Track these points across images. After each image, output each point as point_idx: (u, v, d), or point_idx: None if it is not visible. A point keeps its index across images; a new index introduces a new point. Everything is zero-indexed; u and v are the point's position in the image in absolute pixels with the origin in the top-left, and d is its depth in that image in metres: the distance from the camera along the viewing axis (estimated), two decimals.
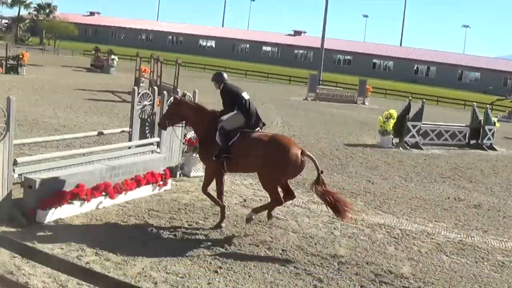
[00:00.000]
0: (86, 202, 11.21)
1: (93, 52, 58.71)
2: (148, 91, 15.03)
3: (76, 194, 11.00)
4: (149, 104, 14.56)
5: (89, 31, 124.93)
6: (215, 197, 11.44)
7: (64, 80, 40.54)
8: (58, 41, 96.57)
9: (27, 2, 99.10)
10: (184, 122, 11.95)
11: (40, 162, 11.48)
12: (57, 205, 10.59)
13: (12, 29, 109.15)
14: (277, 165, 10.52)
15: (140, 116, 14.34)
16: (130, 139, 14.19)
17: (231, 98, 11.42)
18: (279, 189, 11.01)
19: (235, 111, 11.25)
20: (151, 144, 14.32)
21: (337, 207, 10.55)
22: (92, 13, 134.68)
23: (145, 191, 12.94)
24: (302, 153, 10.61)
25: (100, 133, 14.36)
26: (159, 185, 13.36)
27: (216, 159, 10.92)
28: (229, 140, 10.87)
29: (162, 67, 32.93)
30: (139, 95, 14.32)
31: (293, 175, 11.20)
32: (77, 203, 11.05)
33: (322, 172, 10.78)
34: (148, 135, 14.55)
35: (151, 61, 36.86)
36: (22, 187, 10.83)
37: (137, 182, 12.64)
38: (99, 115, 24.94)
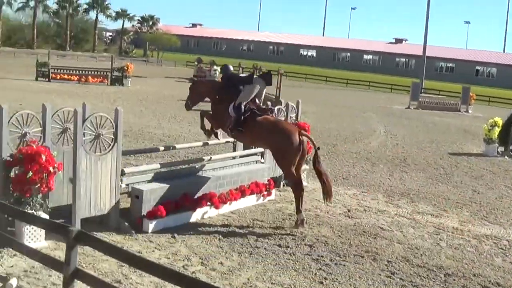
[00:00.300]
0: (191, 212, 11.49)
1: (196, 63, 59.84)
2: None
3: (182, 204, 11.29)
4: None
5: (191, 43, 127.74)
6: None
7: (167, 91, 41.65)
8: (161, 52, 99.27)
9: (131, 15, 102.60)
10: (203, 98, 13.24)
11: (147, 172, 11.84)
12: (163, 215, 10.89)
13: (117, 41, 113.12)
14: (281, 150, 11.73)
15: None
16: (234, 149, 14.41)
17: (236, 81, 12.63)
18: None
19: (242, 88, 12.26)
20: (255, 154, 14.47)
21: (329, 190, 11.83)
22: (194, 25, 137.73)
23: (250, 201, 13.12)
24: (300, 134, 11.71)
25: (205, 144, 14.67)
26: (263, 195, 13.51)
27: (230, 132, 12.31)
28: (242, 115, 11.99)
29: None
30: None
31: (295, 155, 11.71)
32: (183, 213, 11.34)
33: (319, 148, 11.96)
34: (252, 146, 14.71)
35: (253, 71, 37.18)
36: (129, 197, 11.24)
37: (242, 192, 12.83)
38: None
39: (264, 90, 12.65)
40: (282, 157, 11.76)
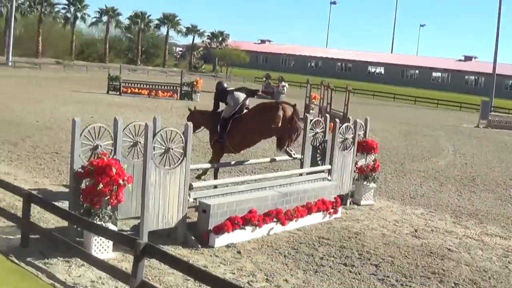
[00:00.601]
0: (257, 227, 11.49)
1: (264, 79, 60.23)
2: (319, 119, 15.18)
3: (249, 220, 11.31)
4: (321, 131, 14.69)
5: (260, 59, 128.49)
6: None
7: None
8: (230, 68, 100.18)
9: (201, 30, 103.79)
10: (200, 127, 14.88)
11: (214, 187, 11.91)
12: (230, 230, 10.93)
13: (187, 56, 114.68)
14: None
15: (312, 143, 14.50)
16: (301, 166, 14.37)
17: (218, 97, 14.50)
18: None
19: (226, 105, 14.01)
20: (322, 171, 14.41)
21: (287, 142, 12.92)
22: (263, 41, 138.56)
23: (316, 218, 13.05)
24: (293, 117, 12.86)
25: (273, 160, 14.69)
26: (329, 213, 13.42)
27: (215, 144, 14.05)
28: (225, 129, 13.54)
29: (332, 93, 33.09)
30: (311, 122, 14.48)
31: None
32: (249, 228, 11.36)
33: (295, 105, 13.15)
34: (319, 162, 14.66)
35: (321, 88, 37.28)
36: (196, 211, 11.32)
37: (308, 209, 12.77)
38: (270, 141, 25.42)
39: (247, 101, 14.37)
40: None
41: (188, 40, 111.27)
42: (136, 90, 44.03)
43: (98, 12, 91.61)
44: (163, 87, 45.41)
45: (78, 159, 9.79)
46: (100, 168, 9.52)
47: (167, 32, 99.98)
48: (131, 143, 10.75)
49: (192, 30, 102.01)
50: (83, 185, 9.81)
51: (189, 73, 73.75)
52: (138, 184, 10.34)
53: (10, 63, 72.68)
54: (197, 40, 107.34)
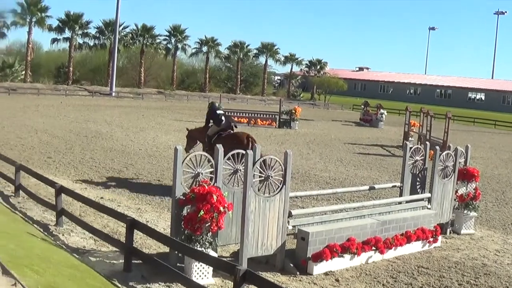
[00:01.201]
0: (356, 256, 11.48)
1: (362, 106, 59.95)
2: (419, 146, 15.03)
3: (347, 248, 11.31)
4: (420, 159, 14.54)
5: (358, 86, 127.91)
6: None
7: (334, 134, 41.91)
8: (328, 96, 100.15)
9: (299, 59, 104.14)
10: (196, 142, 19.43)
11: (313, 215, 11.99)
12: (328, 258, 10.96)
13: (285, 85, 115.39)
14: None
15: (412, 171, 14.36)
16: (401, 194, 14.25)
17: (208, 116, 19.12)
18: None
19: (211, 124, 18.80)
20: (422, 199, 14.24)
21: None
22: (361, 68, 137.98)
23: (415, 247, 12.90)
24: (248, 138, 17.77)
25: (371, 188, 14.64)
26: (429, 242, 13.24)
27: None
28: (211, 141, 18.05)
29: (431, 120, 32.60)
30: (411, 150, 14.36)
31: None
32: (347, 256, 11.36)
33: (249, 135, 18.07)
34: (419, 190, 14.50)
35: (420, 115, 36.88)
36: (295, 238, 11.42)
37: (407, 238, 12.65)
38: (369, 169, 25.34)
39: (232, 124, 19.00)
40: None
41: (286, 69, 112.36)
42: (236, 119, 44.48)
43: (198, 42, 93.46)
44: (262, 115, 45.91)
45: (180, 186, 10.10)
46: (201, 195, 9.79)
47: (266, 61, 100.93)
48: (232, 171, 11.00)
49: (290, 58, 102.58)
50: (184, 212, 10.10)
51: (288, 101, 74.20)
52: (238, 211, 10.56)
53: (113, 94, 75.39)
54: (295, 69, 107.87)
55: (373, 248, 11.88)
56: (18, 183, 15.45)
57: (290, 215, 11.14)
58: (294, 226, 11.35)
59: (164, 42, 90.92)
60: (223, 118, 18.60)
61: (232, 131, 18.64)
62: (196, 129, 19.82)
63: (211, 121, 18.98)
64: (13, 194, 15.47)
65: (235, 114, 45.41)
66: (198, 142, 19.48)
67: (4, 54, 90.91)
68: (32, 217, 13.34)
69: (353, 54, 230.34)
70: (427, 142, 15.82)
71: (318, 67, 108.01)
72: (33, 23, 79.02)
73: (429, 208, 14.10)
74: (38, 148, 24.62)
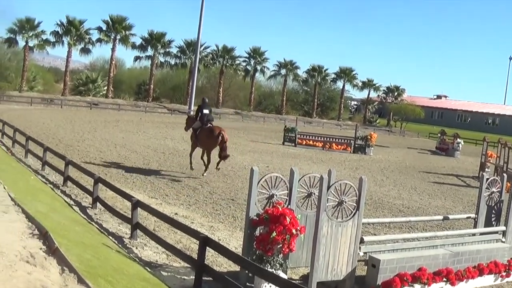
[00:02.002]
0: (426, 286, 11.26)
1: (439, 135, 59.03)
2: (496, 178, 14.68)
3: (418, 278, 11.12)
4: (497, 191, 14.20)
5: (435, 114, 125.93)
6: (191, 158, 24.42)
7: (409, 162, 41.37)
8: (405, 123, 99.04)
9: (377, 85, 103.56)
10: (193, 124, 24.48)
11: (385, 242, 11.85)
12: (398, 286, 10.79)
13: (361, 110, 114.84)
14: (204, 142, 23.58)
15: (487, 203, 14.03)
16: (475, 226, 13.92)
17: (198, 110, 24.39)
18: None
19: (198, 120, 24.13)
20: (496, 232, 13.87)
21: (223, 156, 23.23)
22: (439, 96, 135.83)
23: (487, 280, 12.57)
24: (220, 132, 22.96)
25: (445, 218, 14.37)
26: (501, 276, 12.88)
27: (192, 140, 24.45)
28: (196, 132, 23.96)
29: (509, 152, 31.81)
30: (487, 181, 14.05)
31: (214, 146, 23.49)
32: (417, 286, 11.16)
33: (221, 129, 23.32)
34: (493, 222, 14.14)
35: (498, 146, 36.20)
36: (365, 265, 11.30)
37: (480, 270, 12.34)
38: (443, 199, 24.88)
39: (211, 111, 24.57)
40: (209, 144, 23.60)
41: (363, 94, 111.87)
42: (311, 142, 44.69)
43: (277, 65, 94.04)
44: (337, 140, 45.74)
45: (254, 207, 10.17)
46: (275, 216, 9.83)
47: (343, 86, 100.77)
48: (306, 194, 11.01)
49: (368, 84, 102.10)
50: (257, 232, 10.15)
51: (363, 127, 73.85)
52: (310, 235, 10.54)
53: (192, 112, 76.53)
54: (373, 94, 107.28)
55: (444, 279, 11.64)
56: (96, 195, 15.85)
57: (362, 241, 11.05)
58: (365, 253, 11.25)
59: (244, 64, 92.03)
60: (205, 117, 23.83)
61: (211, 125, 23.68)
62: (191, 117, 25.94)
63: (199, 114, 24.05)
64: (91, 206, 15.87)
65: (311, 137, 45.44)
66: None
67: (88, 69, 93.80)
68: (108, 229, 13.64)
69: (431, 81, 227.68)
70: (504, 174, 15.40)
71: (396, 93, 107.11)
72: (117, 40, 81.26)
73: (504, 242, 13.72)
74: (117, 162, 25.20)
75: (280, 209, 9.93)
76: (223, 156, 23.23)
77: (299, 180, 10.67)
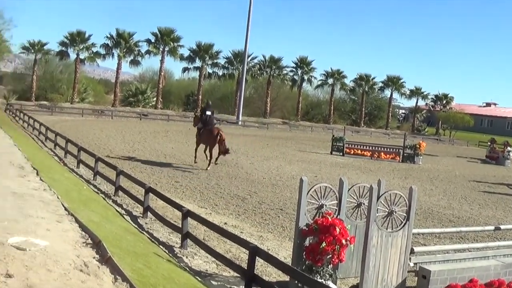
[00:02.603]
0: None
1: (489, 143, 58.07)
2: None
3: None
4: None
5: (484, 122, 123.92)
6: (196, 154, 28.61)
7: (458, 171, 40.77)
8: (454, 131, 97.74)
9: (425, 93, 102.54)
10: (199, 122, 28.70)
11: (435, 253, 11.71)
12: None
13: (409, 119, 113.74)
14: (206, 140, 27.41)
15: None
16: None
17: (201, 111, 29.03)
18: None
19: (201, 121, 28.25)
20: None
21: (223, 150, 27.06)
22: (488, 104, 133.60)
23: None
24: (218, 132, 26.87)
25: (497, 228, 14.12)
26: None
27: (197, 138, 28.61)
28: (199, 132, 28.06)
29: None
30: None
31: (214, 144, 27.15)
32: None
33: (219, 130, 27.92)
34: None
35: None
36: (416, 276, 11.17)
37: None
38: (494, 209, 24.44)
39: (213, 113, 29.07)
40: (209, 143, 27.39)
41: (411, 103, 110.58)
42: (359, 152, 44.43)
43: (324, 74, 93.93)
44: (385, 149, 45.37)
45: (304, 217, 10.15)
46: (324, 227, 9.79)
47: (391, 95, 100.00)
48: (355, 204, 10.95)
49: (416, 92, 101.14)
50: (306, 242, 10.13)
51: (412, 136, 73.06)
52: (360, 245, 10.47)
53: (240, 122, 76.88)
54: (421, 103, 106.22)
55: None
56: (146, 204, 16.02)
57: (412, 251, 10.93)
58: (415, 264, 11.13)
59: (291, 74, 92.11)
60: (207, 118, 28.23)
61: (211, 127, 27.84)
62: (197, 116, 29.90)
63: (202, 115, 28.70)
64: (142, 215, 16.05)
65: (359, 147, 45.17)
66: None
67: (138, 80, 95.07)
68: (158, 238, 13.77)
69: (480, 89, 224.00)
70: None
71: (444, 101, 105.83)
72: (165, 52, 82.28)
73: None
74: (166, 172, 25.44)
75: (330, 219, 9.89)
76: (223, 151, 27.31)
77: (348, 190, 10.62)
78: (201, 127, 28.21)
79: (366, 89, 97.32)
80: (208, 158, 27.51)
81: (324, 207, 10.38)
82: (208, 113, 28.24)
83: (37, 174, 15.94)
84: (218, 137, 27.00)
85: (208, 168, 27.01)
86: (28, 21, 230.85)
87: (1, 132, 26.17)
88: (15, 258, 7.65)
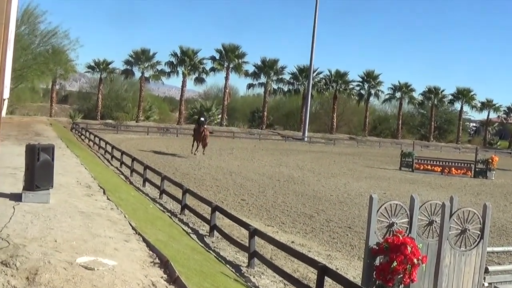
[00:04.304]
0: None
1: None
2: None
3: None
4: None
5: None
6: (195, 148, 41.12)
7: None
8: None
9: (497, 105, 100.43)
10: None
11: (510, 272, 11.43)
12: None
13: (481, 132, 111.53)
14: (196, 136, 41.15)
15: None
16: None
17: (198, 116, 50.75)
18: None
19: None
20: None
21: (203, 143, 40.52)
22: None
23: None
24: (203, 130, 40.15)
25: None
26: None
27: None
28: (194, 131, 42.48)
29: None
30: None
31: (199, 138, 40.47)
32: None
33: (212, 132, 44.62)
34: None
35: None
36: None
37: None
38: None
39: (206, 120, 43.52)
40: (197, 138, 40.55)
41: (483, 115, 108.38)
42: (429, 167, 43.74)
43: (392, 88, 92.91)
44: (456, 164, 44.56)
45: (374, 235, 10.04)
46: (395, 245, 9.66)
47: (461, 108, 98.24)
48: (426, 222, 10.78)
49: (487, 104, 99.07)
50: (377, 262, 10.01)
51: (484, 150, 71.58)
52: (432, 264, 10.29)
53: (306, 138, 76.79)
54: (492, 115, 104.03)
55: None
56: (213, 223, 16.09)
57: (486, 271, 10.69)
58: (490, 283, 10.89)
59: (357, 88, 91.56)
60: (200, 124, 40.58)
61: (200, 127, 40.44)
62: (196, 127, 41.51)
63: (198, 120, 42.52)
64: (208, 234, 16.13)
65: (428, 162, 44.47)
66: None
67: (202, 98, 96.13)
68: (225, 257, 13.82)
69: None
70: None
71: None
72: (230, 69, 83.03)
73: None
74: (233, 190, 25.60)
75: (401, 238, 9.75)
76: (203, 144, 40.31)
77: (419, 208, 10.47)
78: (196, 128, 41.16)
79: (436, 102, 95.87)
80: (197, 147, 40.56)
81: (395, 225, 10.25)
82: (202, 119, 41.89)
83: (104, 193, 16.21)
84: (203, 133, 39.81)
85: (196, 153, 40.25)
86: (94, 39, 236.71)
87: (67, 151, 26.78)
88: (83, 278, 7.79)
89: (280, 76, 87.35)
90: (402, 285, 9.86)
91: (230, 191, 25.26)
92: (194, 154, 40.26)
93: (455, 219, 10.14)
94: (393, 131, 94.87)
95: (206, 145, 40.63)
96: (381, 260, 9.93)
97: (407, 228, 10.25)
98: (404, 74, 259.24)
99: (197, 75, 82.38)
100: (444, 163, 44.52)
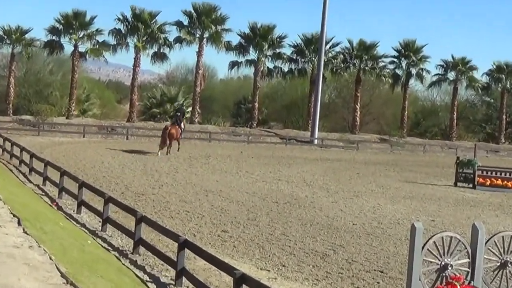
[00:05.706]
0: None
1: None
2: None
3: None
4: None
5: None
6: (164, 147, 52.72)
7: None
8: None
9: None
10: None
11: None
12: None
13: None
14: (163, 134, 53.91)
15: None
16: None
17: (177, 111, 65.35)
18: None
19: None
20: None
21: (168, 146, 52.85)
22: None
23: None
24: (167, 128, 53.94)
25: None
26: None
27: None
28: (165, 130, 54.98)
29: None
30: None
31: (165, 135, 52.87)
32: None
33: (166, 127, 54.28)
34: None
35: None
36: None
37: None
38: None
39: (182, 115, 61.10)
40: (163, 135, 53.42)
41: None
42: (499, 182, 43.57)
43: (442, 66, 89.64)
44: None
45: (418, 283, 10.00)
46: None
47: None
48: (497, 264, 10.76)
49: None
50: None
51: None
52: None
53: (316, 141, 75.96)
54: None
55: None
56: (181, 266, 16.01)
57: None
58: None
59: (391, 66, 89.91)
60: (177, 118, 55.09)
61: (168, 125, 53.61)
62: (167, 126, 53.26)
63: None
64: (173, 283, 16.06)
65: (498, 174, 44.12)
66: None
67: (164, 83, 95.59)
68: None
69: None
70: None
71: None
72: (204, 40, 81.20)
73: None
74: (209, 217, 25.54)
75: (459, 287, 9.72)
76: (168, 144, 51.36)
77: (486, 242, 10.44)
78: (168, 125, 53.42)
79: (508, 86, 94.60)
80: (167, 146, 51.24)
81: (450, 268, 10.21)
82: (178, 114, 56.67)
83: (19, 223, 16.14)
84: (167, 131, 50.49)
85: (162, 153, 50.43)
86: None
87: None
88: None
89: (278, 50, 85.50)
90: None
91: (206, 218, 25.20)
92: (167, 154, 51.21)
93: None
94: (445, 129, 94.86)
95: (170, 145, 51.62)
96: None
97: (467, 272, 10.22)
98: (460, 45, 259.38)
99: (156, 49, 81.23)
100: None
